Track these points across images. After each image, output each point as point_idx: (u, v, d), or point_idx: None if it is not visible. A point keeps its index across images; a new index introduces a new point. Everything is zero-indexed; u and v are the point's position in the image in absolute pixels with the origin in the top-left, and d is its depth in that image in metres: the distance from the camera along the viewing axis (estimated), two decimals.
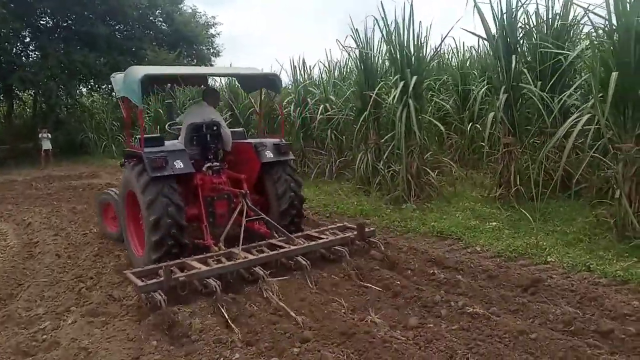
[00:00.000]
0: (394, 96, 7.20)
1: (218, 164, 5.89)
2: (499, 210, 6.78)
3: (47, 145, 18.47)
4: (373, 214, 7.23)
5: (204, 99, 6.36)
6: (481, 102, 9.67)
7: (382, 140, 8.83)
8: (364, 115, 8.50)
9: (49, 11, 21.89)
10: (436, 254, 5.35)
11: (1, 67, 20.29)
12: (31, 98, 23.69)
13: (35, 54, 22.58)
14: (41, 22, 22.50)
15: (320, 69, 11.05)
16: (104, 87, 23.23)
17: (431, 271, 4.77)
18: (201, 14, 27.49)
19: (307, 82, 11.14)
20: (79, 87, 23.17)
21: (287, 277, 4.70)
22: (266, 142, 5.95)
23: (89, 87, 23.80)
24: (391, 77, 8.29)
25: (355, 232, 5.39)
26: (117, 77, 6.24)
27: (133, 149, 5.61)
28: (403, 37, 7.69)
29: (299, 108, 11.01)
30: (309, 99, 10.92)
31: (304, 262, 4.76)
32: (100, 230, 7.27)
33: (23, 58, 21.94)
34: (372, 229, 5.67)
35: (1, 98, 22.55)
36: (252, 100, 9.48)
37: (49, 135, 18.61)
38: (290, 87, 12.08)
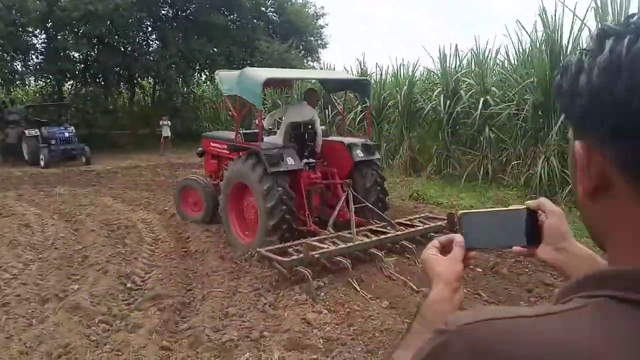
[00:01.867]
0: None
1: (314, 160, 6.47)
2: None
3: (166, 132, 18.78)
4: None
5: (305, 99, 6.89)
6: None
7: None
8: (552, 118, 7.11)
9: (169, 1, 22.41)
10: None
11: (126, 55, 21.01)
12: (150, 86, 24.47)
13: (156, 43, 23.28)
14: (162, 11, 23.10)
15: (473, 56, 9.60)
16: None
17: None
18: (311, 4, 27.02)
19: (462, 71, 9.88)
20: (195, 76, 23.60)
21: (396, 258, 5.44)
22: (357, 142, 6.49)
23: (205, 76, 24.12)
24: None
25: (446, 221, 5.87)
26: (223, 75, 6.74)
27: (244, 144, 6.27)
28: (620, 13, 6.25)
29: (448, 101, 9.81)
30: (462, 91, 9.68)
31: (410, 246, 5.45)
32: (178, 214, 7.66)
33: (145, 47, 22.67)
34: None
35: (125, 85, 23.42)
36: (335, 101, 9.22)
37: (169, 123, 18.92)
38: (437, 76, 10.89)
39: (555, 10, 7.35)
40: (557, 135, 7.47)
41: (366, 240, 5.47)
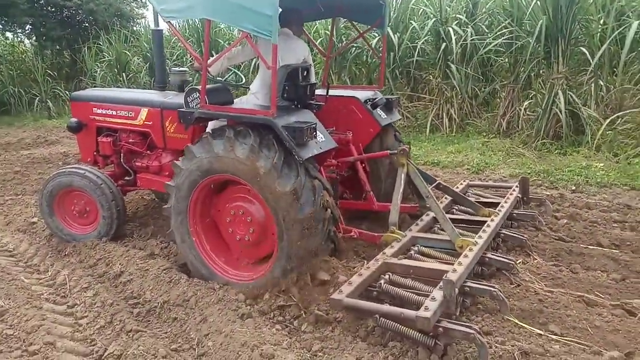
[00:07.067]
0: None
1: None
2: None
3: None
4: None
5: (287, 26, 4.15)
6: None
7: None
8: None
9: None
10: None
11: None
12: None
13: None
14: None
15: None
16: (26, 27, 18.00)
17: None
18: None
19: None
20: None
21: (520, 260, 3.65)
22: (373, 96, 4.53)
23: (1, 25, 18.19)
24: None
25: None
26: None
27: (227, 112, 3.60)
28: None
29: (397, 35, 7.99)
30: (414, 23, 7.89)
31: (519, 236, 3.88)
32: (51, 230, 4.68)
33: None
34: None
35: None
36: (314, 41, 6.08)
37: None
38: None
39: None
40: (563, 66, 6.24)
41: (480, 240, 3.44)
